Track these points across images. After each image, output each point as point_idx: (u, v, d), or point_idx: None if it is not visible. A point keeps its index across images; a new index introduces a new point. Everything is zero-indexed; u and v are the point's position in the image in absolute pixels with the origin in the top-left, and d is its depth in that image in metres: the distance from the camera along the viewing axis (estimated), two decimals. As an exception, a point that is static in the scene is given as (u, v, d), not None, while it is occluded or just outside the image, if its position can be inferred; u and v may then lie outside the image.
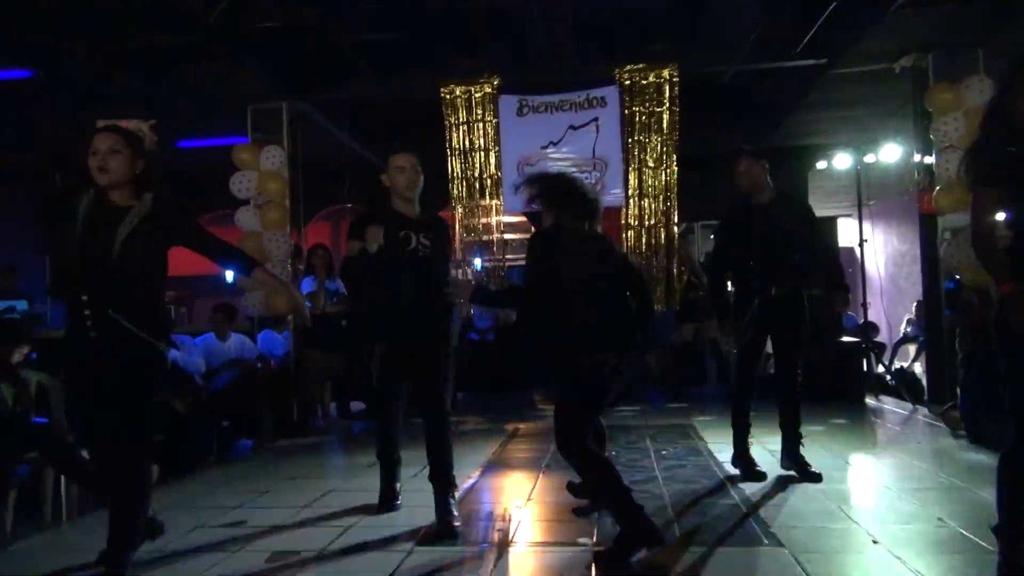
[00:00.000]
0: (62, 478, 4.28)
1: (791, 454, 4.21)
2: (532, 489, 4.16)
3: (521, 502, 3.89)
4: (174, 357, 5.65)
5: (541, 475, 4.48)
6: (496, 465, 4.84)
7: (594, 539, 3.20)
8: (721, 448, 5.01)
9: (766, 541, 3.09)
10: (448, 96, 7.76)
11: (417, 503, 3.72)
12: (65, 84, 7.02)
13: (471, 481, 4.36)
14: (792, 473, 4.17)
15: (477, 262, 8.89)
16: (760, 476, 4.15)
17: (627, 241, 7.81)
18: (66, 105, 7.24)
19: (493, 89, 7.75)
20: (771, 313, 4.13)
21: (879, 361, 8.20)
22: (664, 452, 5.03)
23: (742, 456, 4.29)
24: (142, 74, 6.73)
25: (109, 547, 2.78)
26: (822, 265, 4.24)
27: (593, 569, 2.85)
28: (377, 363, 3.56)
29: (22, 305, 7.25)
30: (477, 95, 7.74)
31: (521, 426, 6.36)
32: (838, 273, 4.36)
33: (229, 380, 6.18)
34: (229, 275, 10.75)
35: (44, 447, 4.10)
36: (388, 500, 3.80)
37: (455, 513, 3.44)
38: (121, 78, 6.75)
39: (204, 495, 4.30)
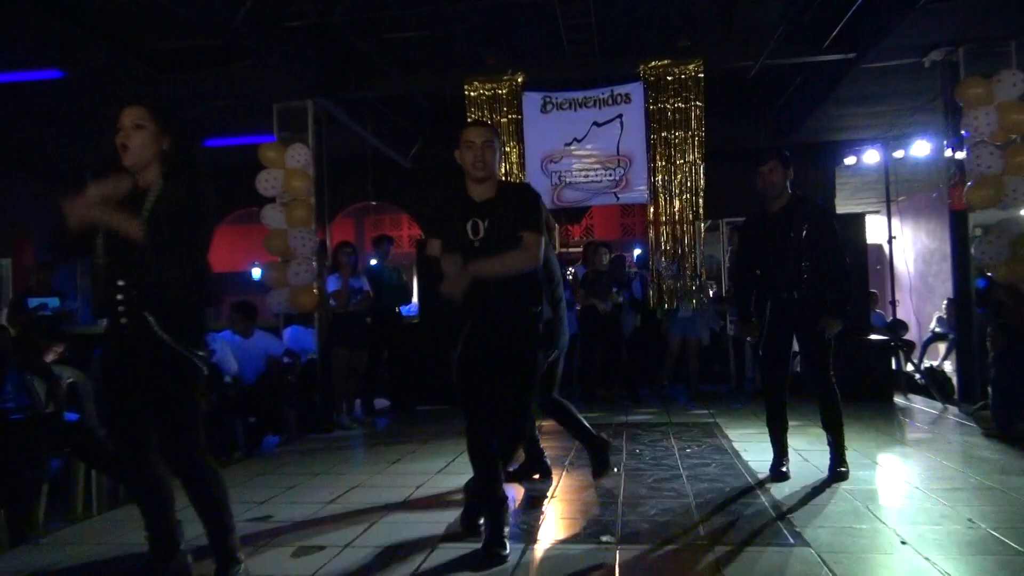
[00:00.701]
0: (93, 473, 4.36)
1: (832, 465, 4.15)
2: (555, 487, 4.16)
3: (545, 499, 3.89)
4: (217, 357, 5.72)
5: (564, 473, 4.48)
6: (519, 462, 4.84)
7: (618, 536, 3.19)
8: (746, 447, 4.99)
9: (792, 541, 3.07)
10: (472, 93, 7.77)
11: (441, 498, 3.74)
12: (95, 85, 7.13)
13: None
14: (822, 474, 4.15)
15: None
16: (782, 476, 4.12)
17: (652, 238, 7.79)
18: (96, 105, 7.35)
19: (517, 86, 7.75)
20: (789, 315, 4.12)
21: (908, 359, 8.09)
22: (688, 450, 5.01)
23: (774, 454, 4.27)
24: (171, 75, 6.83)
25: (213, 546, 2.74)
26: (830, 280, 4.12)
27: (617, 567, 2.84)
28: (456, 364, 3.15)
29: (54, 302, 7.39)
30: (501, 92, 7.75)
31: (543, 423, 6.36)
32: (838, 294, 4.10)
33: (256, 377, 6.25)
34: (256, 272, 10.89)
35: (76, 443, 4.18)
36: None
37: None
38: (150, 79, 6.85)
39: (232, 490, 4.33)
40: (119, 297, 2.54)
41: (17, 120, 8.18)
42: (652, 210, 7.70)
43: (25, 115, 8.01)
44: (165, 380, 2.57)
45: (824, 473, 4.15)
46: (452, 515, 3.52)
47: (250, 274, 11.83)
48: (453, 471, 4.51)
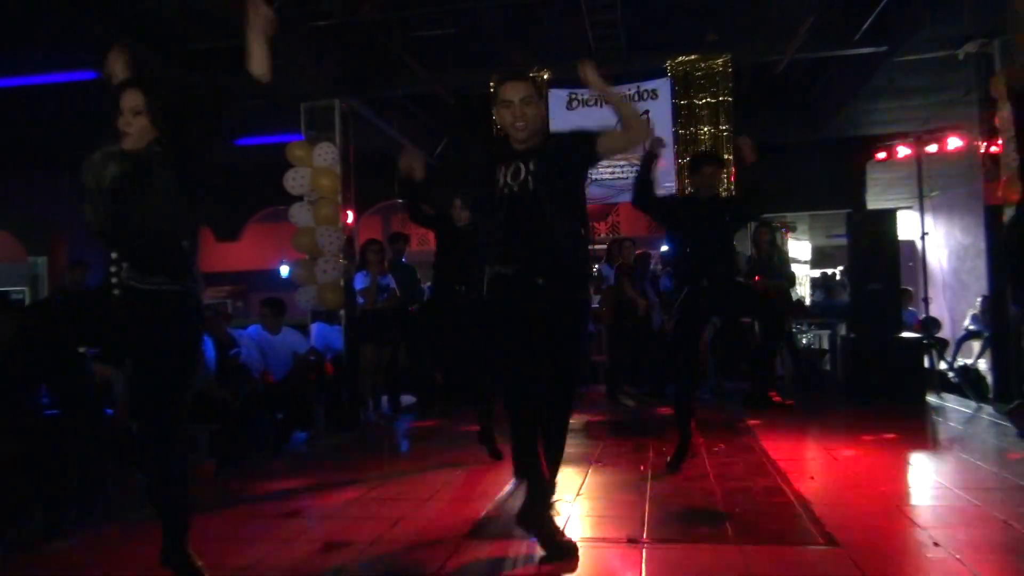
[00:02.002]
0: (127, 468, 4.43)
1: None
2: (581, 484, 4.15)
3: (571, 497, 3.88)
4: (241, 357, 5.80)
5: (591, 470, 4.46)
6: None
7: (644, 535, 3.17)
8: (775, 445, 4.93)
9: (822, 541, 3.03)
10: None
11: (467, 495, 3.74)
12: (127, 85, 7.24)
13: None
14: None
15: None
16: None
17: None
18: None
19: (543, 83, 7.73)
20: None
21: (941, 358, 7.95)
22: (716, 449, 4.97)
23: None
24: (203, 75, 6.91)
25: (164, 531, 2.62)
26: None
27: (644, 567, 2.83)
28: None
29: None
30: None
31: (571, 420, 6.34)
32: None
33: (283, 374, 6.31)
34: (284, 269, 11.00)
35: (106, 440, 4.24)
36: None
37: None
38: (182, 79, 6.94)
39: (260, 486, 4.40)
40: (112, 269, 2.57)
41: (51, 121, 8.33)
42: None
43: (59, 116, 8.16)
44: (154, 326, 2.56)
45: (855, 473, 4.09)
46: (478, 512, 3.52)
47: (278, 271, 11.96)
48: (479, 468, 4.51)
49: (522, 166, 2.88)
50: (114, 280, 2.57)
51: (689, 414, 4.30)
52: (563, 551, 2.87)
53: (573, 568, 2.81)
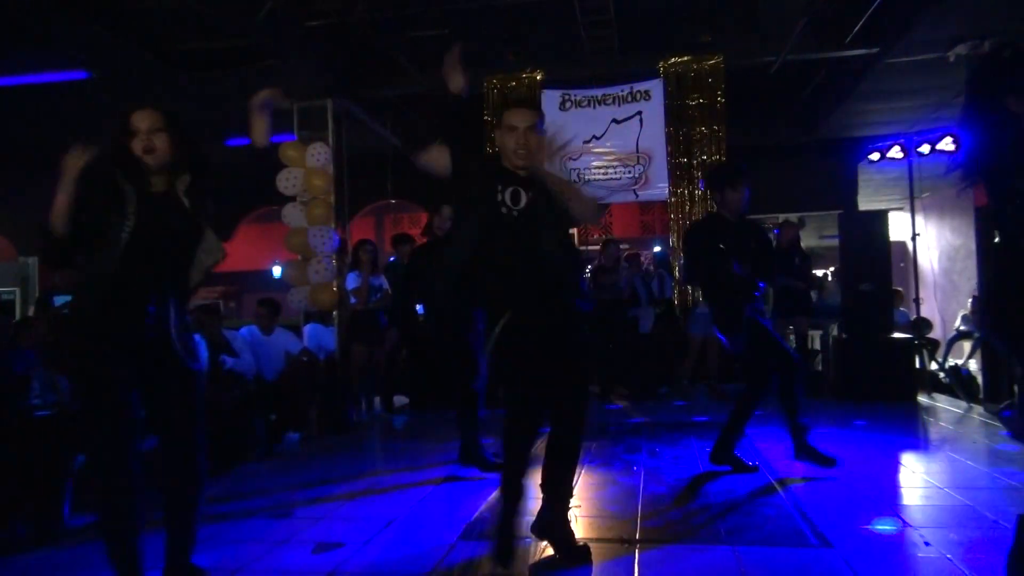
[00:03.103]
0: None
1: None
2: (574, 485, 4.14)
3: (564, 498, 3.88)
4: (231, 364, 5.79)
5: (584, 471, 4.47)
6: (539, 461, 4.84)
7: (637, 535, 3.18)
8: (768, 446, 4.94)
9: (814, 541, 3.04)
10: (491, 91, 7.76)
11: (458, 496, 3.74)
12: (120, 85, 7.22)
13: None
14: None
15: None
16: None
17: (674, 235, 7.75)
18: (121, 106, 7.43)
19: (536, 84, 7.74)
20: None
21: (932, 358, 7.99)
22: (709, 449, 4.97)
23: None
24: (194, 75, 6.90)
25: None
26: None
27: (636, 567, 2.83)
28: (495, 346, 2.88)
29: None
30: (520, 89, 7.74)
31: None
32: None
33: (276, 374, 6.29)
34: (277, 270, 10.98)
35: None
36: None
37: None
38: (174, 79, 6.92)
39: (253, 487, 4.39)
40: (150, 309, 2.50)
41: (43, 121, 8.29)
42: (671, 206, 7.67)
43: (51, 116, 8.13)
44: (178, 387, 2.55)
45: (847, 473, 4.10)
46: (471, 513, 3.52)
47: (271, 272, 11.94)
48: (472, 469, 4.51)
49: (522, 192, 2.87)
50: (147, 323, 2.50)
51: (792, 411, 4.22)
52: (577, 556, 2.89)
53: (585, 571, 2.82)
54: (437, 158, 2.88)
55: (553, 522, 2.93)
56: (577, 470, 3.42)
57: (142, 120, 2.54)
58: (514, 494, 2.86)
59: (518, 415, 2.91)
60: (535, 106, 3.05)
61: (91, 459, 2.67)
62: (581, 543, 2.96)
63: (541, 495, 2.98)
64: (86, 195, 2.43)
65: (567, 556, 2.89)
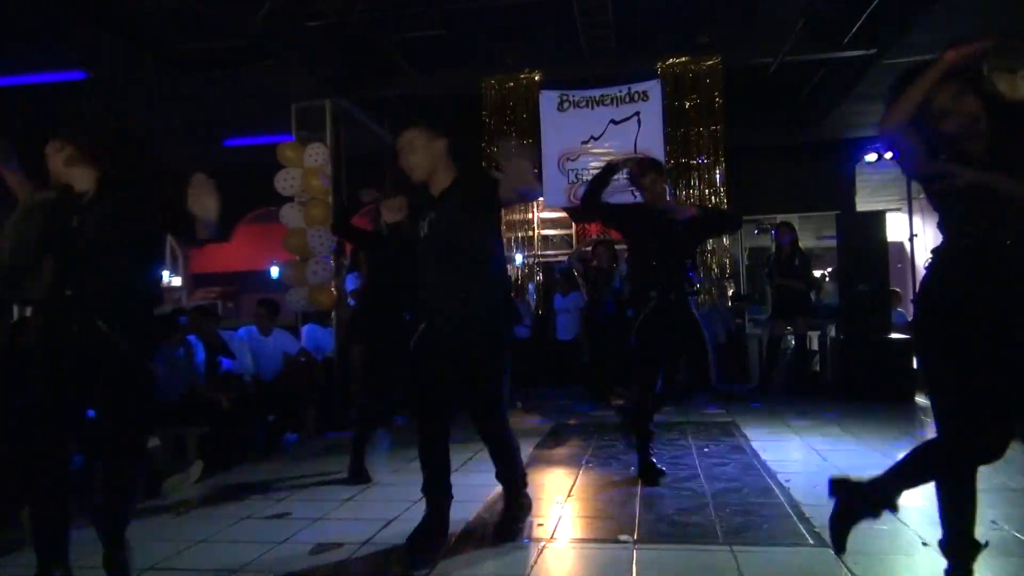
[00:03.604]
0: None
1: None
2: (573, 485, 4.15)
3: (562, 498, 3.89)
4: (227, 366, 5.79)
5: (582, 471, 4.47)
6: (537, 461, 4.85)
7: (635, 535, 3.18)
8: (765, 446, 4.95)
9: (811, 541, 3.04)
10: (489, 91, 7.77)
11: (457, 496, 3.73)
12: (118, 85, 7.21)
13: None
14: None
15: (518, 257, 8.90)
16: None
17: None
18: (118, 106, 7.43)
19: (534, 84, 7.74)
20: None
21: (930, 359, 7.98)
22: (706, 449, 4.98)
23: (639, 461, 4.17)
24: (193, 75, 6.89)
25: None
26: None
27: (634, 567, 2.84)
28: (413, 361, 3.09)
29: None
30: (518, 90, 7.74)
31: (568, 422, 6.36)
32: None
33: (273, 375, 6.29)
34: (275, 271, 10.97)
35: (93, 441, 4.21)
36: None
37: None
38: (172, 79, 6.92)
39: (251, 487, 4.39)
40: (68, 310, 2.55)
41: (40, 121, 8.27)
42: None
43: (49, 116, 8.11)
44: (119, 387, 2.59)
45: (844, 473, 4.10)
46: (469, 512, 3.52)
47: (269, 273, 11.92)
48: (469, 469, 4.51)
49: (430, 214, 3.07)
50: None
51: (642, 426, 4.20)
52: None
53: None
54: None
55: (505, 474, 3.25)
56: (572, 472, 3.43)
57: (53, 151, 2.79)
58: (434, 499, 3.10)
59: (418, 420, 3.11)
60: (417, 123, 3.22)
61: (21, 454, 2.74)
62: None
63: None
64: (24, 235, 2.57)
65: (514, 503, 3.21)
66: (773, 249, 8.25)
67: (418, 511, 3.69)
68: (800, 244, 8.07)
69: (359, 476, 4.39)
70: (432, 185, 3.14)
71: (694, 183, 7.66)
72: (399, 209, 3.16)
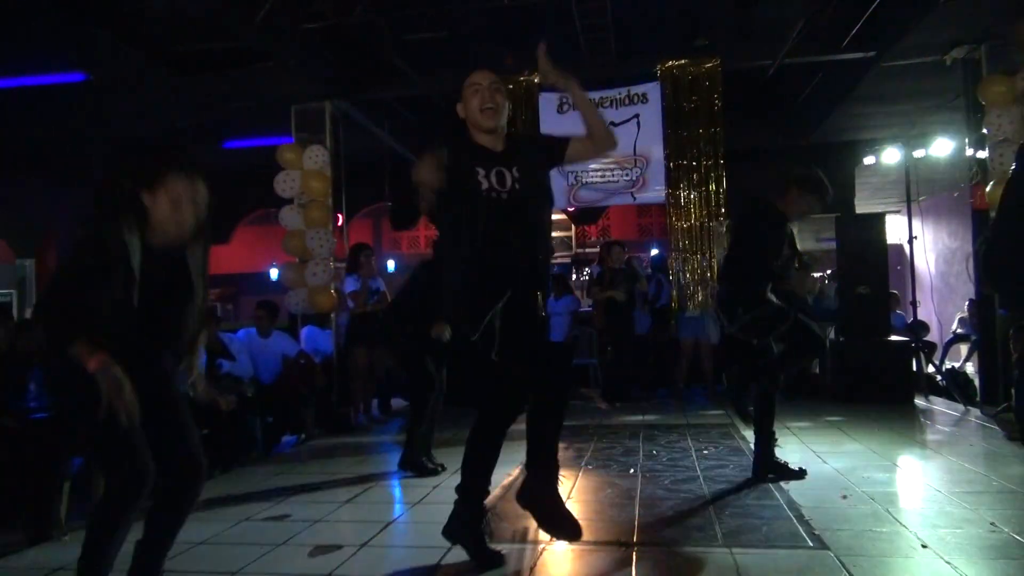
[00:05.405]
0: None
1: None
2: (572, 487, 4.15)
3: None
4: (227, 368, 5.79)
5: (581, 473, 4.47)
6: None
7: (635, 538, 3.18)
8: (764, 448, 4.95)
9: (811, 543, 3.04)
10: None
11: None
12: (118, 87, 7.21)
13: (510, 479, 4.37)
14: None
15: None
16: None
17: (672, 238, 7.76)
18: (118, 108, 7.44)
19: (533, 86, 7.74)
20: None
21: (929, 361, 8.00)
22: (705, 451, 4.98)
23: None
24: (192, 78, 6.89)
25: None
26: None
27: (633, 569, 2.84)
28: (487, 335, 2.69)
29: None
30: (518, 92, 7.74)
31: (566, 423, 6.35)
32: None
33: (272, 377, 6.29)
34: (274, 273, 10.98)
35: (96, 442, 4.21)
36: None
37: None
38: (172, 81, 6.92)
39: (250, 489, 4.39)
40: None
41: (40, 123, 8.28)
42: (669, 208, 7.68)
43: (48, 118, 8.12)
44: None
45: (843, 475, 4.11)
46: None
47: (268, 274, 11.93)
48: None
49: (505, 171, 2.72)
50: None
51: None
52: (565, 528, 2.80)
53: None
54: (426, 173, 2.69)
55: (540, 491, 2.84)
56: (571, 474, 3.43)
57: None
58: (478, 494, 2.87)
59: (499, 403, 2.80)
60: (494, 70, 2.95)
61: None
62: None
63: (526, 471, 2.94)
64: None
65: (552, 528, 2.82)
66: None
67: (418, 513, 3.70)
68: (797, 246, 8.06)
69: (415, 468, 4.50)
70: (488, 138, 2.80)
71: (692, 185, 7.66)
72: (439, 167, 2.67)
